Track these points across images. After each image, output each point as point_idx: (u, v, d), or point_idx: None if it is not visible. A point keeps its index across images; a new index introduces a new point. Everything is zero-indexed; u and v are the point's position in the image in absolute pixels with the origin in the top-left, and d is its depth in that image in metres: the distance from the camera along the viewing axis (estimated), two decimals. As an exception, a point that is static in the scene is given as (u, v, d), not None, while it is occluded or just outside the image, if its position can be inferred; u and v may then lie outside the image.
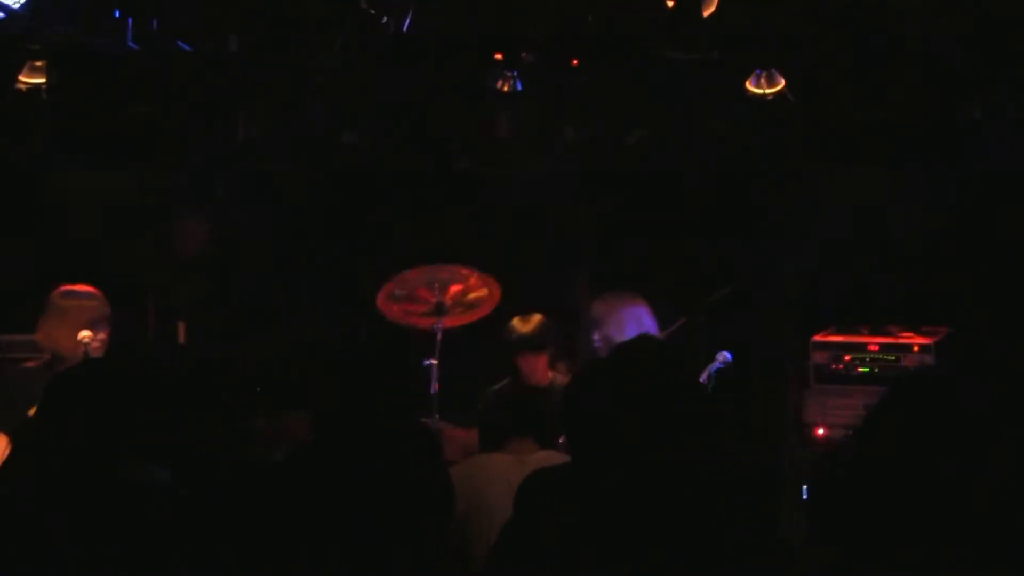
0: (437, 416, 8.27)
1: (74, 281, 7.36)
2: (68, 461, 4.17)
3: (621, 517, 3.70)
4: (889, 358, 9.14)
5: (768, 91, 8.82)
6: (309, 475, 4.59)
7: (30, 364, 7.33)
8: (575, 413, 4.11)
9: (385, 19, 8.06)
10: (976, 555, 2.62)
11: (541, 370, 8.05)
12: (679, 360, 5.93)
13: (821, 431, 9.09)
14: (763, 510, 3.67)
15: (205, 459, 4.85)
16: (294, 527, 4.47)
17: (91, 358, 6.87)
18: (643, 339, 6.96)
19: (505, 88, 8.94)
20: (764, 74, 8.79)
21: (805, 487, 8.54)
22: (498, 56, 8.79)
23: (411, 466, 4.63)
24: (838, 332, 9.42)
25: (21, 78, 8.43)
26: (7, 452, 5.84)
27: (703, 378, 8.14)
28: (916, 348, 9.11)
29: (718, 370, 8.11)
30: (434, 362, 8.37)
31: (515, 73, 8.86)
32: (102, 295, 7.39)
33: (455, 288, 8.63)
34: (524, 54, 8.68)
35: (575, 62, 8.63)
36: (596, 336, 8.17)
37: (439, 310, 8.54)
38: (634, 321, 8.15)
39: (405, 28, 8.06)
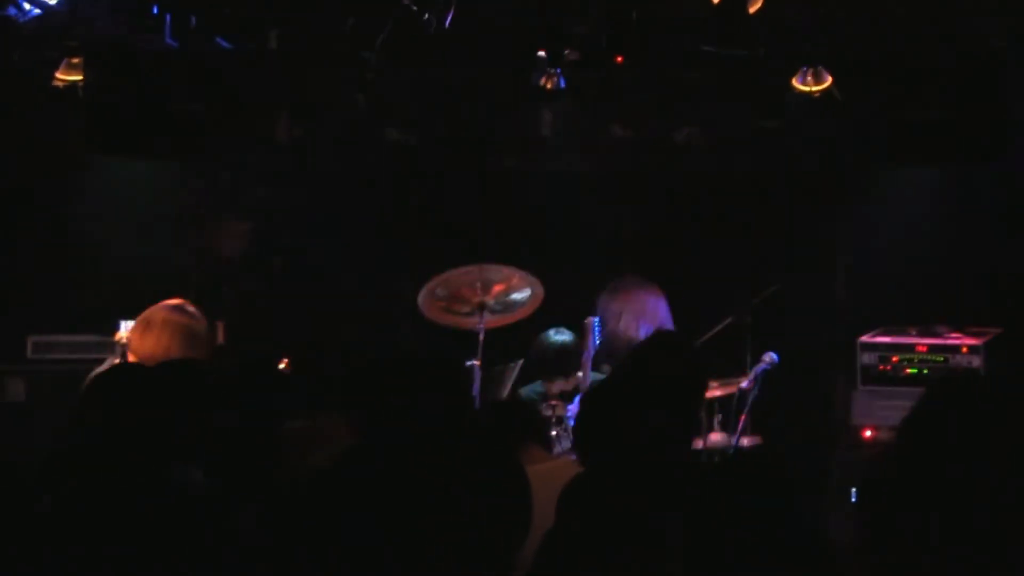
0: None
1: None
2: (97, 462, 4.13)
3: (630, 518, 3.66)
4: (937, 359, 9.05)
5: (815, 88, 8.75)
6: (360, 477, 4.49)
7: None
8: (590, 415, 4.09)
9: (427, 15, 8.02)
10: (975, 555, 2.58)
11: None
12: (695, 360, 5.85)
13: (868, 433, 9.00)
14: (767, 509, 3.60)
15: (240, 460, 4.78)
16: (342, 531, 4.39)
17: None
18: (661, 338, 6.79)
19: (548, 85, 8.87)
20: (811, 71, 8.72)
21: (854, 490, 8.43)
22: (541, 53, 8.73)
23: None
24: (886, 333, 9.33)
25: (58, 75, 8.42)
26: None
27: (749, 379, 8.07)
28: (964, 349, 9.02)
29: (764, 371, 8.05)
30: (476, 363, 8.29)
31: (558, 70, 8.80)
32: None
33: (498, 288, 8.55)
34: (567, 51, 8.62)
35: (619, 59, 8.56)
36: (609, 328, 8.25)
37: (481, 310, 8.45)
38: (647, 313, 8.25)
39: (447, 24, 8.01)
